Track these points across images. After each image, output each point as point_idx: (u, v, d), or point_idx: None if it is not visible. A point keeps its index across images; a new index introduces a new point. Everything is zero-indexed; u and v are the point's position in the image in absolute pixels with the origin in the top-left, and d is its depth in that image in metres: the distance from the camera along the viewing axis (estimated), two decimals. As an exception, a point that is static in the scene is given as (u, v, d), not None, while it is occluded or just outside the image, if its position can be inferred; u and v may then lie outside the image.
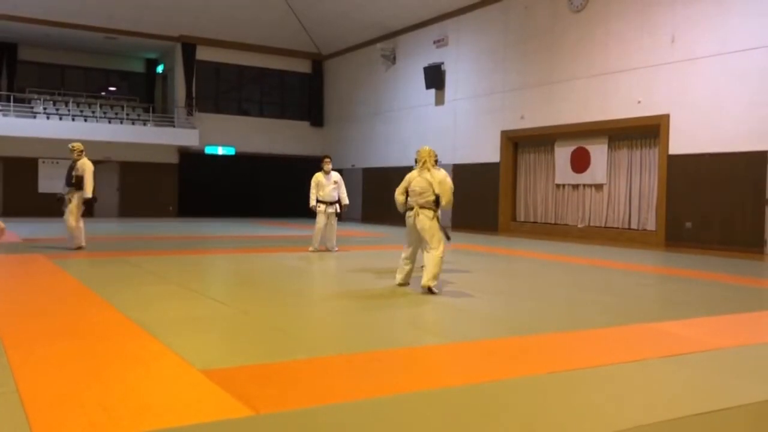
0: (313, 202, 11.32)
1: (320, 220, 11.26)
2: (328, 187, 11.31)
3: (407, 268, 7.27)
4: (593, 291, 7.70)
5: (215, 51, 25.09)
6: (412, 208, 6.97)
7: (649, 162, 15.01)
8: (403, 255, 7.30)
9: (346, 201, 11.59)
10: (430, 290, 6.79)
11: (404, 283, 7.29)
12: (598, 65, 15.57)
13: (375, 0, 21.38)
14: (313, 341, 4.87)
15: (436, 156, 7.14)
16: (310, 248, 11.31)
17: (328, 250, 11.36)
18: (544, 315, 6.04)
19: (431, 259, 6.81)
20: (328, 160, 11.58)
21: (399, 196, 7.16)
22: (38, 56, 25.13)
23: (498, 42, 18.32)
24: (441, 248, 6.88)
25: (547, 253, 12.14)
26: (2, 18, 21.69)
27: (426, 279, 6.80)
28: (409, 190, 7.00)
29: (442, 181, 6.88)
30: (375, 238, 15.96)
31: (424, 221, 6.86)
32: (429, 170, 6.94)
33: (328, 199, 11.29)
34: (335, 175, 11.49)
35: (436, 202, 6.87)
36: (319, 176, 11.39)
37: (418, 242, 7.12)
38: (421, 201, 6.87)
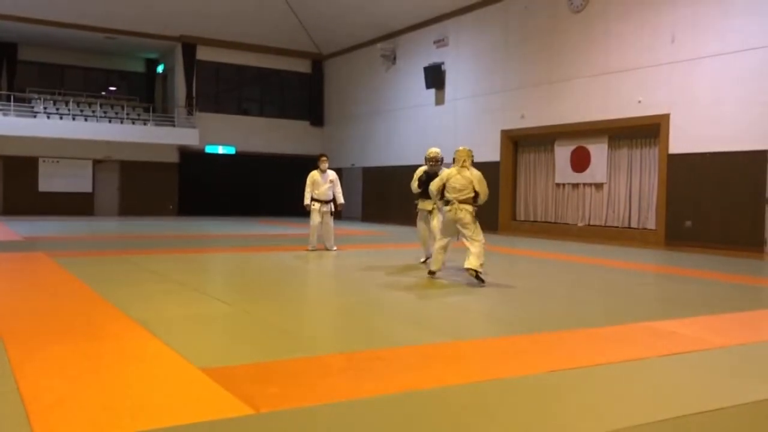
0: (307, 201, 11.21)
1: (314, 218, 11.18)
2: (323, 185, 11.23)
3: (441, 257, 7.89)
4: (593, 290, 7.70)
5: (215, 51, 25.08)
6: (450, 203, 7.51)
7: (649, 161, 15.00)
8: (438, 245, 7.88)
9: (341, 200, 11.49)
10: (477, 275, 7.31)
11: (437, 271, 7.87)
12: (598, 65, 15.56)
13: (375, 0, 21.38)
14: (313, 340, 4.88)
15: (472, 156, 7.73)
16: (309, 247, 11.27)
17: (326, 249, 11.32)
18: (545, 314, 6.04)
19: (477, 247, 7.36)
20: (324, 158, 11.47)
21: (435, 191, 7.78)
22: (38, 56, 25.12)
23: (498, 42, 18.31)
24: (482, 238, 7.47)
25: (547, 252, 12.14)
26: (2, 18, 21.68)
27: (473, 263, 7.30)
28: (448, 186, 7.57)
29: (480, 179, 7.55)
30: (375, 236, 15.97)
31: (465, 215, 7.45)
32: (468, 169, 7.56)
33: (323, 197, 11.21)
34: (331, 174, 11.40)
35: (474, 198, 7.52)
36: (315, 174, 11.30)
37: (454, 234, 7.75)
38: (461, 197, 7.47)
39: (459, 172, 7.55)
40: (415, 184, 9.14)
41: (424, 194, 8.94)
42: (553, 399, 3.45)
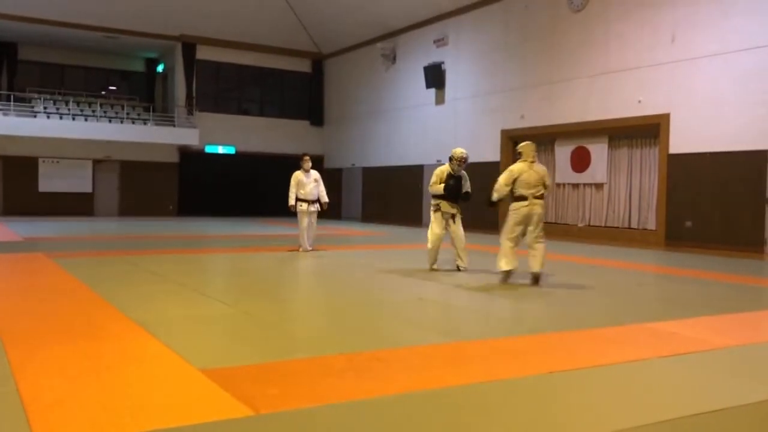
0: (292, 202, 11.15)
1: (304, 220, 11.14)
2: (308, 185, 11.17)
3: (513, 253, 7.55)
4: (593, 291, 7.69)
5: (215, 50, 25.08)
6: (524, 198, 7.37)
7: (649, 161, 15.00)
8: (510, 245, 7.54)
9: (325, 199, 11.40)
10: (537, 279, 7.46)
11: (515, 270, 7.53)
12: (598, 65, 15.56)
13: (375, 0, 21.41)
14: (313, 340, 4.87)
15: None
16: (301, 249, 11.18)
17: (305, 249, 11.20)
18: (545, 314, 6.04)
19: (543, 249, 7.49)
20: (307, 157, 11.42)
21: (505, 186, 7.46)
22: (38, 55, 25.13)
23: (498, 41, 18.30)
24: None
25: (546, 252, 12.11)
26: (2, 17, 21.68)
27: (538, 266, 7.45)
28: (520, 181, 7.39)
29: (547, 174, 7.66)
30: (375, 237, 15.96)
31: (541, 211, 7.43)
32: (535, 163, 7.52)
33: (309, 197, 11.15)
34: (314, 173, 11.36)
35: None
36: (299, 174, 11.23)
37: (523, 232, 7.54)
38: (537, 193, 7.43)
39: (530, 167, 7.43)
40: (440, 186, 8.72)
41: (447, 196, 8.74)
42: (553, 400, 3.45)
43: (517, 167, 7.47)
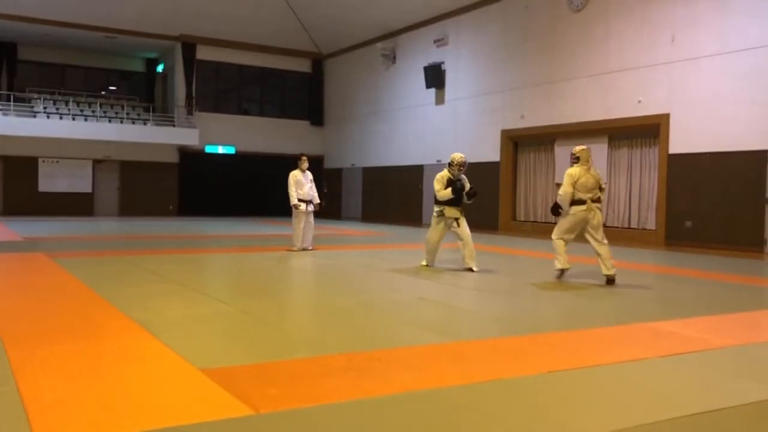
0: (295, 200, 11.16)
1: (302, 218, 11.16)
2: (306, 185, 11.23)
3: (566, 252, 7.79)
4: (593, 290, 7.69)
5: (215, 50, 25.09)
6: (582, 202, 7.56)
7: (649, 161, 15.01)
8: (562, 244, 7.77)
9: (317, 200, 11.54)
10: (613, 280, 7.60)
11: (568, 269, 7.80)
12: (598, 64, 15.56)
13: (375, 0, 21.41)
14: (313, 340, 4.87)
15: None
16: (294, 248, 11.17)
17: (305, 249, 11.25)
18: (545, 314, 6.04)
19: (608, 251, 7.62)
20: (305, 158, 11.49)
21: (571, 190, 7.62)
22: (38, 55, 25.14)
23: (498, 41, 18.31)
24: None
25: (547, 252, 12.12)
26: (2, 17, 21.68)
27: (610, 270, 7.61)
28: (578, 185, 7.60)
29: (602, 178, 7.82)
30: (375, 237, 15.96)
31: (600, 216, 7.62)
32: (591, 167, 7.73)
33: (307, 197, 11.22)
34: (310, 174, 11.45)
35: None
36: (297, 174, 11.26)
37: (576, 235, 7.74)
38: (594, 197, 7.62)
39: (587, 171, 7.63)
40: (448, 191, 8.75)
41: (455, 200, 8.78)
42: (553, 399, 3.45)
43: (576, 171, 7.63)
